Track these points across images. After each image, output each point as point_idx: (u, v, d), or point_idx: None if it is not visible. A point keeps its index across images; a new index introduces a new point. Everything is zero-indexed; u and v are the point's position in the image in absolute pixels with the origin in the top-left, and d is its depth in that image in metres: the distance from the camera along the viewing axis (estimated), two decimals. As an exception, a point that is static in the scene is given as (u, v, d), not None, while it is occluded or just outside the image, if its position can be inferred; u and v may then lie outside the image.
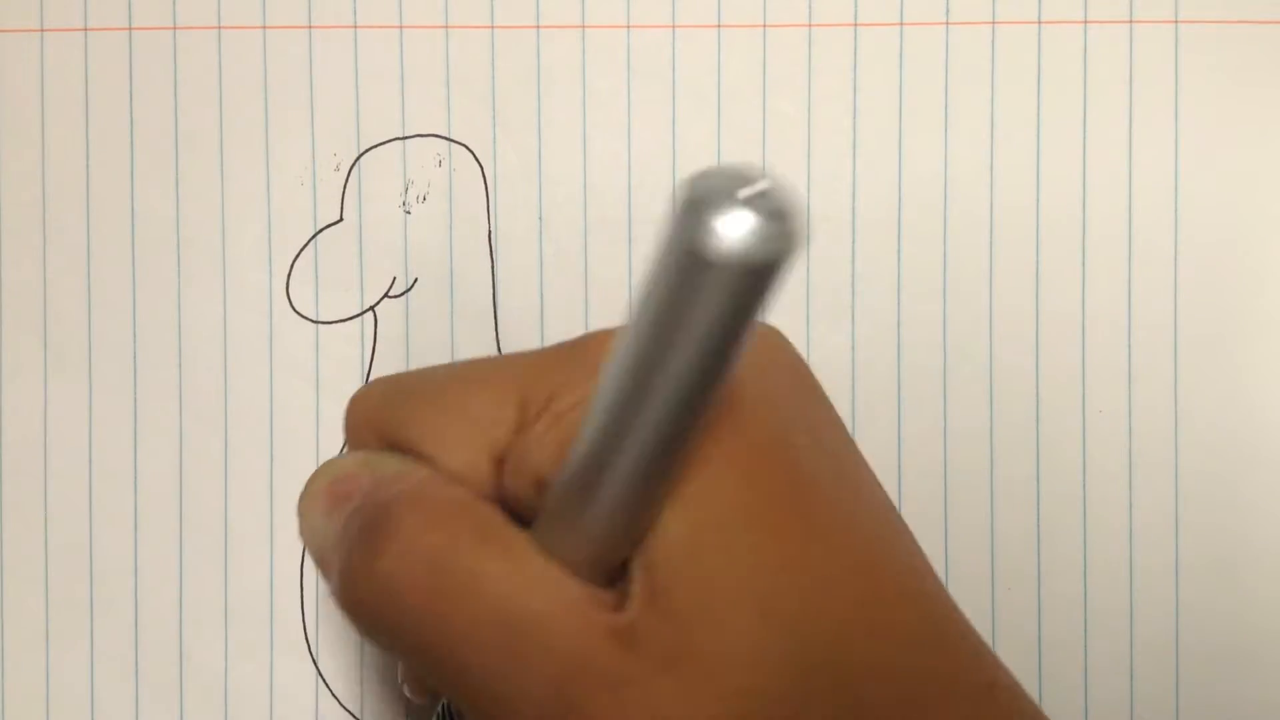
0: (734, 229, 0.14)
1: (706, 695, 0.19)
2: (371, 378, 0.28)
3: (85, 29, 0.29)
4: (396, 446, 0.21)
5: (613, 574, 0.20)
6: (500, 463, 0.20)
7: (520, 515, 0.20)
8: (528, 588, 0.19)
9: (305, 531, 0.22)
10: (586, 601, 0.19)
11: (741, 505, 0.19)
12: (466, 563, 0.19)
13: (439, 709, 0.26)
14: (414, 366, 0.28)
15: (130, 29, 0.29)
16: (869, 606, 0.20)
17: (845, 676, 0.20)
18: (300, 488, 0.28)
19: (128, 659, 0.28)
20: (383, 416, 0.22)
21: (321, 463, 0.22)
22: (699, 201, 0.14)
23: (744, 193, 0.14)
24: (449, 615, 0.20)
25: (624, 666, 0.19)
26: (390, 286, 0.28)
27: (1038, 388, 0.28)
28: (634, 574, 0.20)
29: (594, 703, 0.19)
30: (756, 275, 0.14)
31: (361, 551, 0.20)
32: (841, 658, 0.20)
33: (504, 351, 0.28)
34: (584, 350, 0.20)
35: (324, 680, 0.28)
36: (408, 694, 0.25)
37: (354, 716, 0.28)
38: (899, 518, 0.22)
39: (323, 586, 0.28)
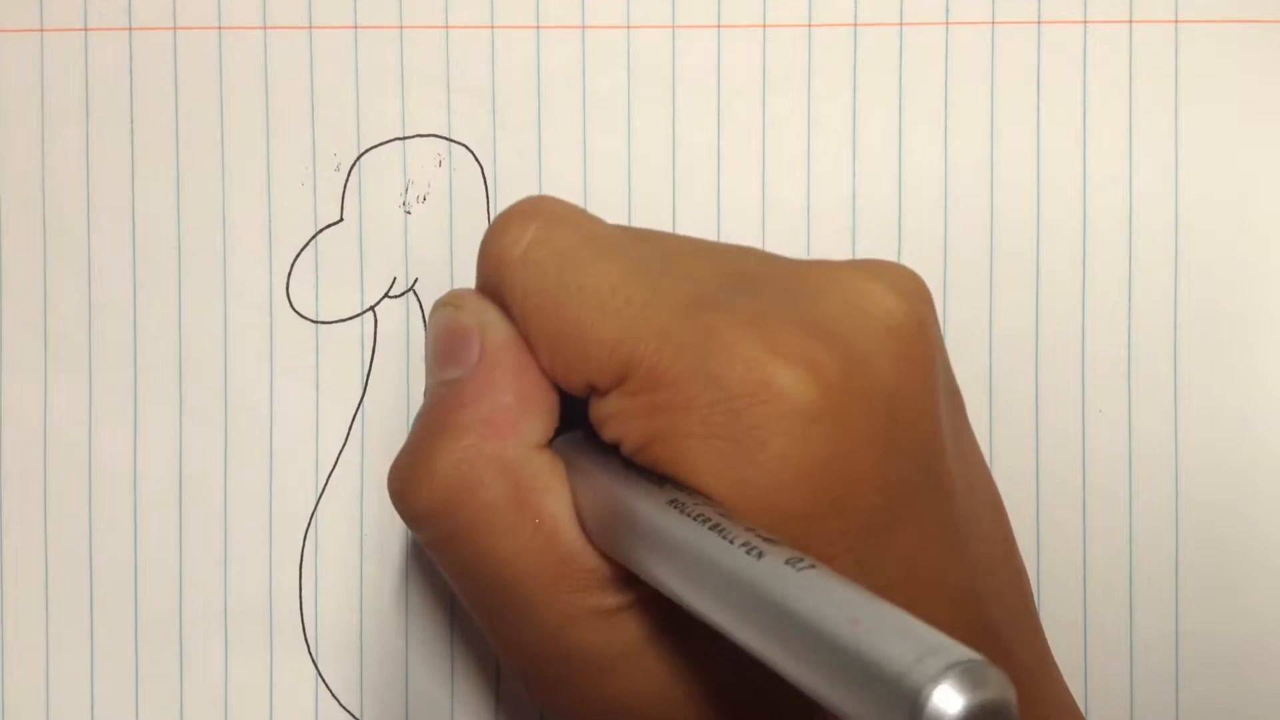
0: None
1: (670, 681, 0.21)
2: (371, 379, 0.28)
3: (85, 29, 0.29)
4: (509, 315, 0.22)
5: None
6: (591, 388, 0.21)
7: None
8: (536, 573, 0.21)
9: (427, 340, 0.24)
10: (586, 586, 0.21)
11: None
12: (486, 528, 0.21)
13: None
14: (414, 368, 0.28)
15: (130, 29, 0.29)
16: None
17: None
18: (299, 489, 0.28)
19: (128, 659, 0.28)
20: (513, 288, 0.22)
21: (442, 299, 0.24)
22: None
23: None
24: (460, 561, 0.22)
25: (605, 648, 0.21)
26: (390, 286, 0.28)
27: (1037, 387, 0.28)
28: None
29: (558, 680, 0.21)
30: None
31: (406, 468, 0.22)
32: None
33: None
34: (709, 344, 0.20)
35: (324, 680, 0.28)
36: None
37: (354, 717, 0.28)
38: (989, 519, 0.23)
39: (322, 587, 0.28)
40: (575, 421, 0.22)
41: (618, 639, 0.21)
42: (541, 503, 0.21)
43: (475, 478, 0.21)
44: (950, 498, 0.21)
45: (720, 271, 0.22)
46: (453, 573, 0.22)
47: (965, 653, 0.15)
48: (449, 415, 0.22)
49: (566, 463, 0.22)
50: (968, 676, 0.14)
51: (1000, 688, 0.14)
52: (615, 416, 0.21)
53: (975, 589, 0.21)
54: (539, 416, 0.22)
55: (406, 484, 0.22)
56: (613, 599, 0.21)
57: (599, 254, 0.21)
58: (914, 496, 0.20)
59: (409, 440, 0.23)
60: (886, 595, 0.20)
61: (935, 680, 0.14)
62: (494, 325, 0.22)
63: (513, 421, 0.21)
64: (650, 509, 0.19)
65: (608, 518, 0.20)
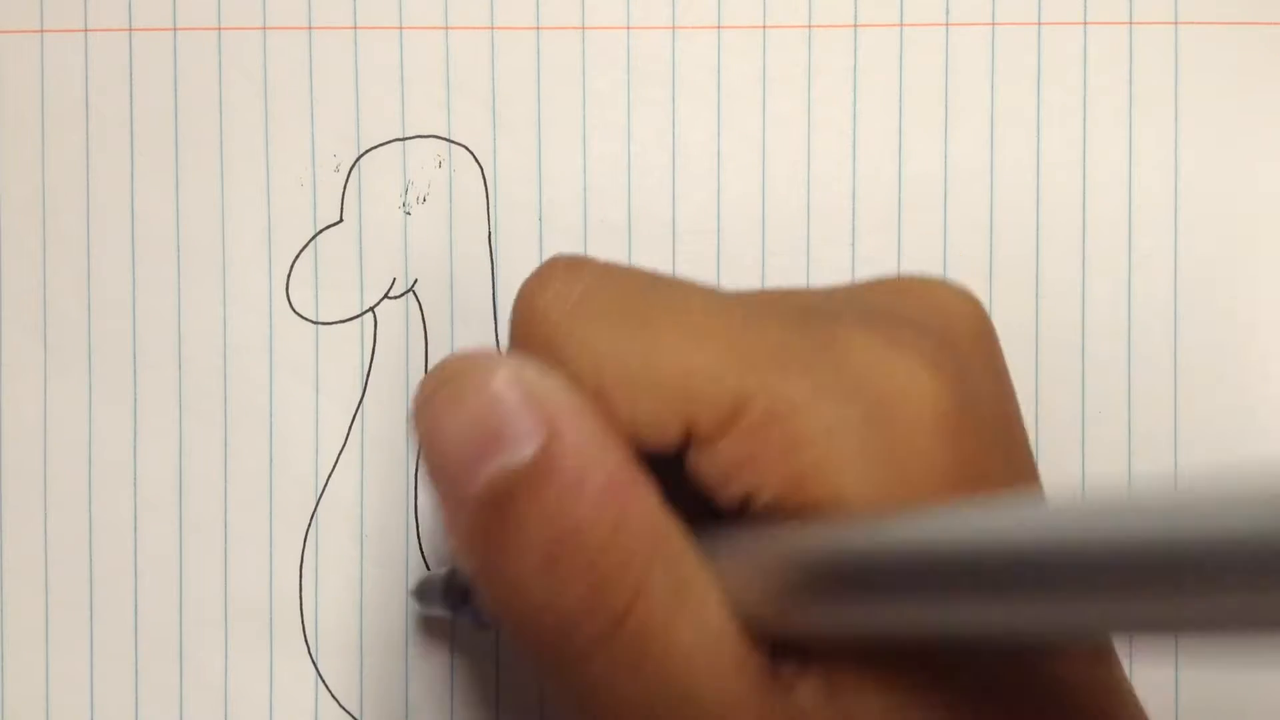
0: None
1: None
2: (371, 380, 0.28)
3: (85, 29, 0.29)
4: (574, 376, 0.17)
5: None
6: (691, 435, 0.18)
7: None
8: (706, 666, 0.16)
9: (425, 443, 0.18)
10: (762, 687, 0.17)
11: None
12: (643, 619, 0.16)
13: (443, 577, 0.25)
14: (413, 369, 0.28)
15: (130, 29, 0.29)
16: None
17: None
18: (299, 489, 0.28)
19: (128, 659, 0.28)
20: (575, 339, 0.18)
21: (445, 364, 0.18)
22: None
23: None
24: (608, 674, 0.17)
25: None
26: (390, 287, 0.28)
27: (1038, 388, 0.28)
28: (815, 658, 0.17)
29: None
30: None
31: (503, 565, 0.17)
32: None
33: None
34: (832, 354, 0.17)
35: (324, 680, 0.28)
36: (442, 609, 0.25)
37: (353, 717, 0.28)
38: None
39: (322, 587, 0.28)
40: None
41: None
42: (696, 580, 0.17)
43: (626, 555, 0.16)
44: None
45: (789, 301, 0.19)
46: (598, 704, 0.17)
47: None
48: (559, 500, 0.16)
49: None
50: None
51: None
52: (745, 462, 0.17)
53: None
54: (645, 475, 0.17)
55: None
56: (797, 706, 0.17)
57: (671, 285, 0.19)
58: None
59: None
60: None
61: None
62: (554, 384, 0.17)
63: (632, 480, 0.17)
64: (852, 533, 0.16)
65: (776, 582, 0.16)
